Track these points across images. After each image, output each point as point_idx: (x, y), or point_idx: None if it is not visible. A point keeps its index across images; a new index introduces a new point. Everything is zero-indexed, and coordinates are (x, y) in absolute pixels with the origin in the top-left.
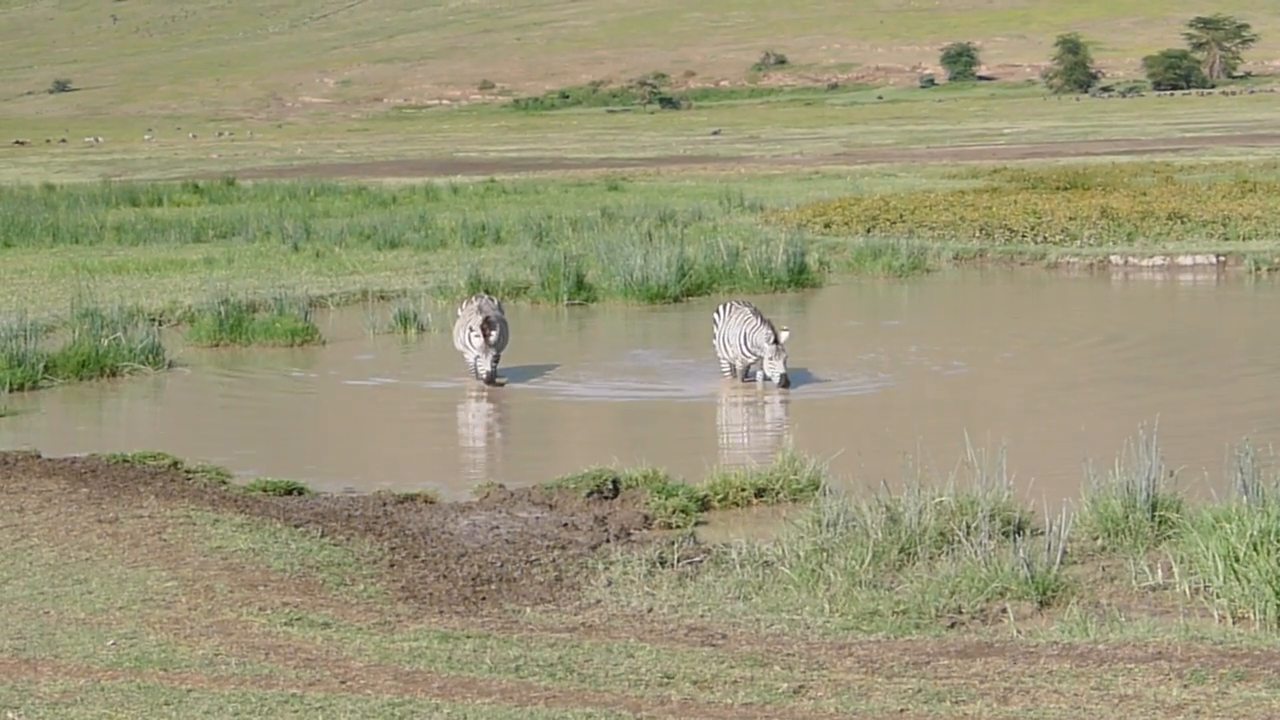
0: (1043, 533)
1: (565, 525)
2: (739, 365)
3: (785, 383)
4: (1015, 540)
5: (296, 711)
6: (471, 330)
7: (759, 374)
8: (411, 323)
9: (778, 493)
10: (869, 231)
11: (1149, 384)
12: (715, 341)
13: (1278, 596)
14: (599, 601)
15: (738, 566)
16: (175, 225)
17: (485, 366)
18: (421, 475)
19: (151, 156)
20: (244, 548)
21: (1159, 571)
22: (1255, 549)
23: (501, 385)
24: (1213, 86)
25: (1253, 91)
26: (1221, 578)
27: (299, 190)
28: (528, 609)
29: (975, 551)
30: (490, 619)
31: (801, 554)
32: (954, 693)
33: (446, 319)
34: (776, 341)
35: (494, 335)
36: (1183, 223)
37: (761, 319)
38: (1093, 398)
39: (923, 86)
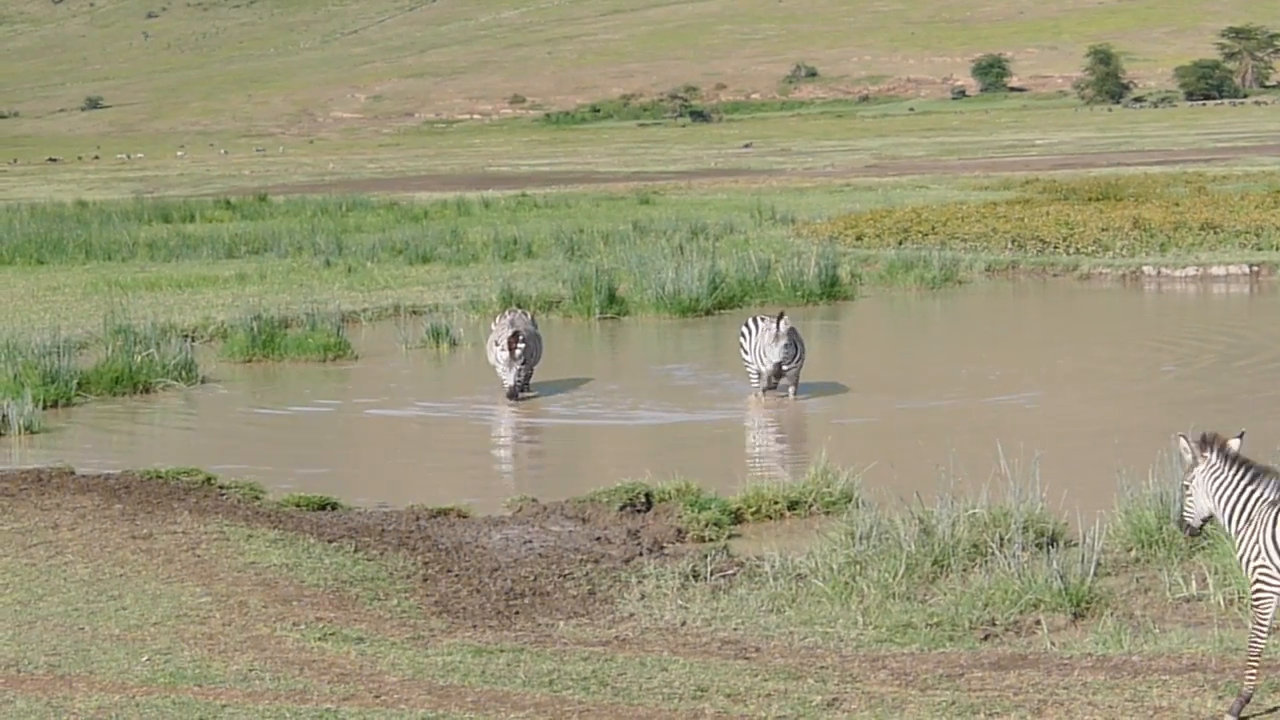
0: (1076, 544)
1: (598, 539)
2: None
3: (780, 373)
4: (1049, 552)
5: None
6: (498, 344)
7: (790, 388)
8: (444, 337)
9: (810, 505)
10: (901, 243)
11: (1181, 392)
12: (747, 356)
13: None
14: (632, 615)
15: (771, 579)
16: (208, 241)
17: (509, 380)
18: (454, 490)
19: (184, 173)
20: (277, 563)
21: (1193, 583)
22: None
23: (527, 398)
24: (1245, 96)
25: None
26: None
27: (331, 206)
28: (561, 623)
29: (1009, 563)
30: (524, 633)
31: (835, 567)
32: (988, 705)
33: (479, 333)
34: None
35: (520, 349)
36: (1216, 233)
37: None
38: (1125, 407)
39: (954, 98)
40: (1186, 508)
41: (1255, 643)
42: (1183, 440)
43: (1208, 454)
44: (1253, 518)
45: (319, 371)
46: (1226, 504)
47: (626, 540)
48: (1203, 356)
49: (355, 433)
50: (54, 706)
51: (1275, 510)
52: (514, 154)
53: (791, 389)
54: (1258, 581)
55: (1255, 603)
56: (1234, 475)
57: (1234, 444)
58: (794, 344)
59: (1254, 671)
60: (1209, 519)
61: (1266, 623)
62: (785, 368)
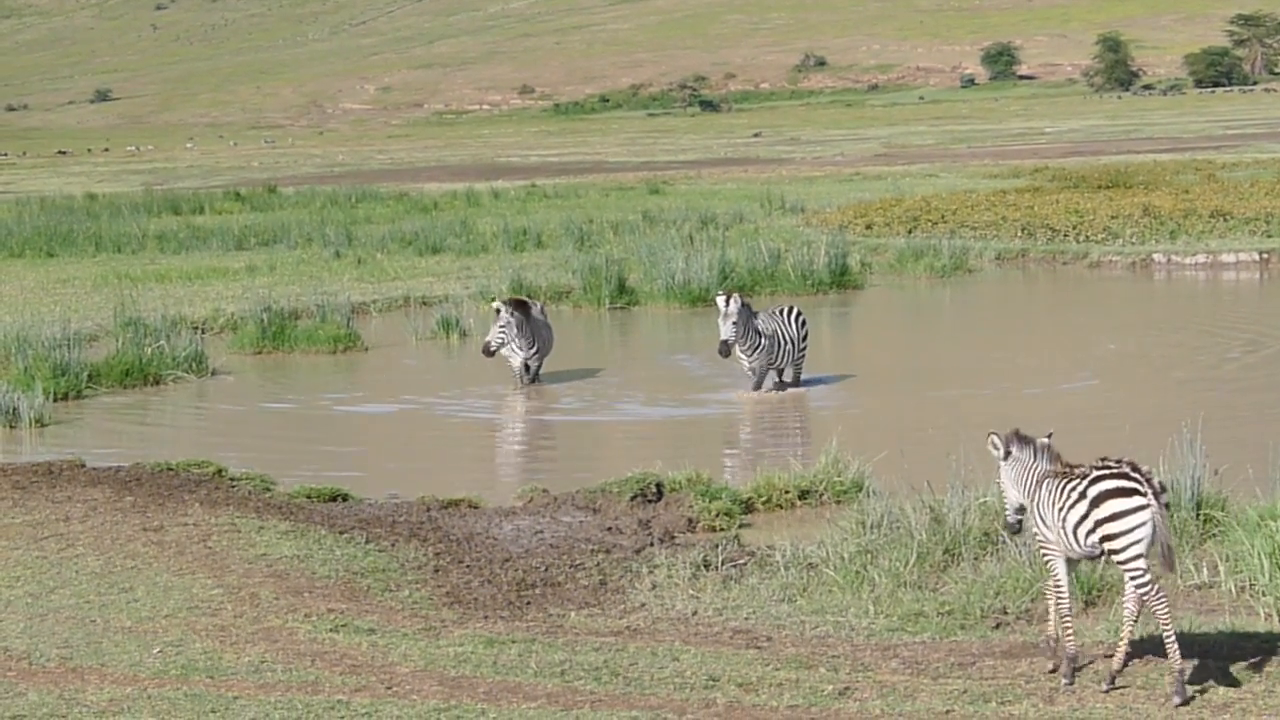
0: None
1: (609, 529)
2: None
3: (726, 350)
4: None
5: (343, 717)
6: (500, 312)
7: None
8: (454, 328)
9: (821, 494)
10: (910, 232)
11: (1194, 381)
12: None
13: None
14: (643, 605)
15: (782, 569)
16: (217, 233)
17: (494, 342)
18: (465, 481)
19: (193, 165)
20: (289, 554)
21: (1204, 570)
22: None
23: (534, 383)
24: (1254, 83)
25: None
26: (1267, 576)
27: (340, 197)
28: (572, 613)
29: (1020, 552)
30: (535, 623)
31: (846, 556)
32: (1000, 693)
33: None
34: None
35: (515, 312)
36: (1225, 220)
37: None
38: (1136, 396)
39: (963, 86)
40: (1003, 502)
41: (1059, 605)
42: (992, 438)
43: (1013, 448)
44: (1035, 487)
45: (329, 363)
46: (1025, 486)
47: (638, 530)
48: (1213, 345)
49: (365, 424)
50: (66, 699)
51: (1041, 478)
52: (523, 144)
53: (759, 379)
54: (1040, 549)
55: (1045, 567)
56: (1028, 458)
57: (1041, 441)
58: (747, 326)
59: (1070, 632)
60: (1022, 509)
61: (1064, 585)
62: (739, 349)
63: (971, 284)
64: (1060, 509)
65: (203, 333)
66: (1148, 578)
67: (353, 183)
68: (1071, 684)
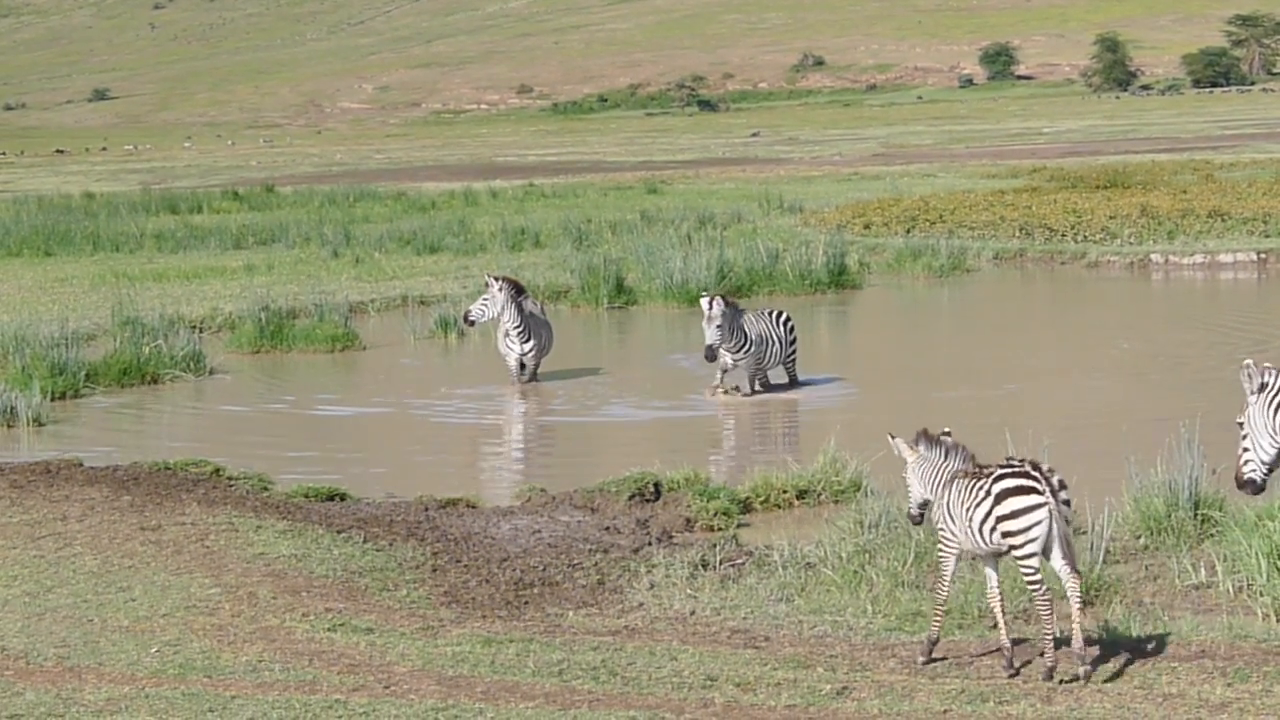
0: (1085, 532)
1: (607, 529)
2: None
3: (712, 355)
4: None
5: (340, 717)
6: (485, 296)
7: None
8: (452, 328)
9: (819, 494)
10: (909, 232)
11: (1191, 381)
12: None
13: None
14: (641, 604)
15: (780, 568)
16: (215, 232)
17: (474, 312)
18: (463, 480)
19: (191, 164)
20: (286, 554)
21: (1202, 570)
22: None
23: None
24: (1252, 83)
25: None
26: (1265, 576)
27: (338, 196)
28: (570, 613)
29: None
30: (533, 623)
31: (844, 555)
32: (997, 693)
33: (486, 324)
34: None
35: (507, 283)
36: (1223, 220)
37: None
38: (1133, 395)
39: (961, 86)
40: (908, 497)
41: (937, 593)
42: (895, 440)
43: (919, 446)
44: (946, 486)
45: (327, 362)
46: (930, 482)
47: (635, 530)
48: (1211, 345)
49: (363, 423)
50: (63, 698)
51: (953, 478)
52: (521, 144)
53: (744, 384)
54: (939, 542)
55: (938, 559)
56: (935, 456)
57: (949, 441)
58: (733, 329)
59: (939, 618)
60: (925, 505)
61: (947, 577)
62: (723, 350)
63: (969, 284)
64: (967, 508)
65: (200, 332)
66: (1038, 576)
67: (350, 182)
68: (929, 662)
